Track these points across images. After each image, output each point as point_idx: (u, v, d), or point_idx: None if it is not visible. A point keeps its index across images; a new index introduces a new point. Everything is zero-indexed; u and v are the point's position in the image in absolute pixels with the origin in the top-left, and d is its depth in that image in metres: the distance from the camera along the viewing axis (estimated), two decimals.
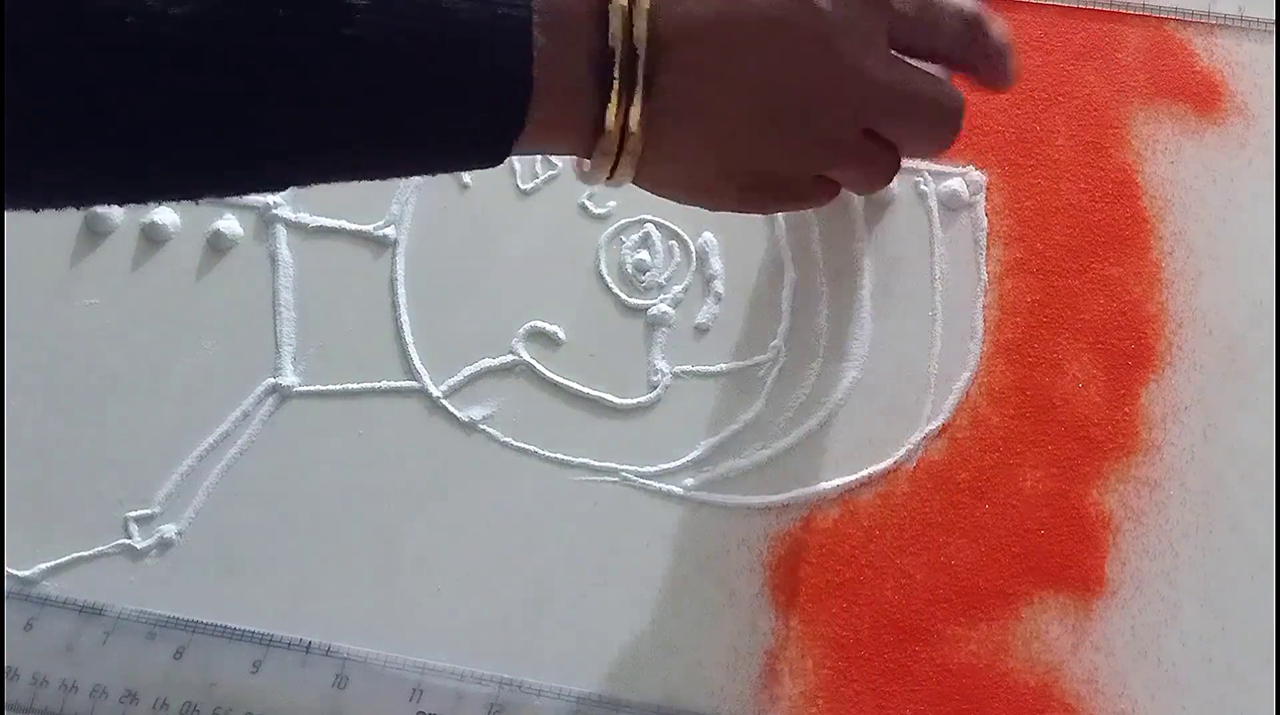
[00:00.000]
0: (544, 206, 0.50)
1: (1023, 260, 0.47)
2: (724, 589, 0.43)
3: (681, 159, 0.35)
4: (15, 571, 0.45)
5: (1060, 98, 0.50)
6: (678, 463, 0.45)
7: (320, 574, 0.44)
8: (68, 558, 0.45)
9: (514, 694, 0.42)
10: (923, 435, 0.45)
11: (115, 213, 0.50)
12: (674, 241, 0.49)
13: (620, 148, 0.33)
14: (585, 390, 0.46)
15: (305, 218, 0.49)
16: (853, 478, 0.45)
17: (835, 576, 0.43)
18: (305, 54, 0.28)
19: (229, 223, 0.49)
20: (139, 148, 0.28)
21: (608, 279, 0.48)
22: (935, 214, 0.48)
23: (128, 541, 0.45)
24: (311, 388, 0.47)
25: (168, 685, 0.42)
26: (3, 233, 0.49)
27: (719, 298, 0.48)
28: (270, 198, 0.50)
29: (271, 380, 0.47)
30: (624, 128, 0.33)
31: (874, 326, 0.47)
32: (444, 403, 0.47)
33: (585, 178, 0.36)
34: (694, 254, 0.48)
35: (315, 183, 0.32)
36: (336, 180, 0.32)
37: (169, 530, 0.45)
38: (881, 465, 0.45)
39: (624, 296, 0.48)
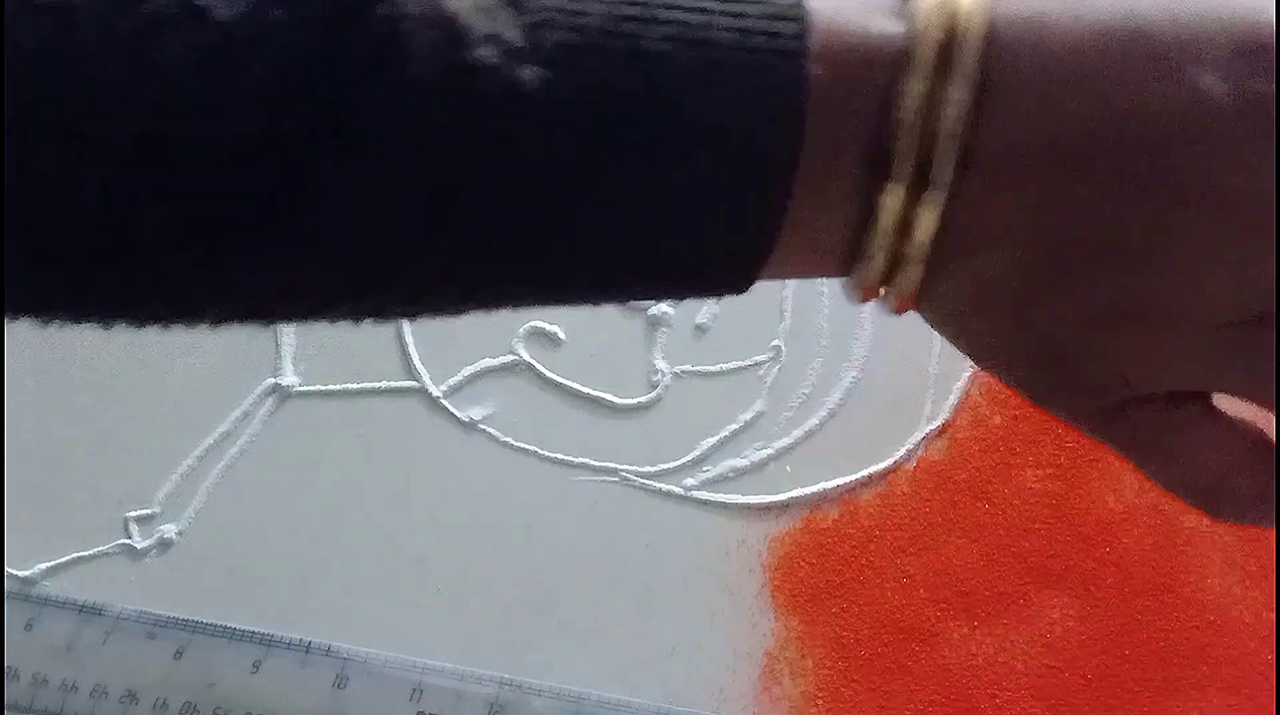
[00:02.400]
0: None
1: None
2: (724, 589, 0.43)
3: (973, 300, 0.23)
4: (15, 571, 0.45)
5: None
6: (678, 463, 0.45)
7: (320, 574, 0.44)
8: (68, 558, 0.45)
9: (514, 694, 0.42)
10: (923, 435, 0.45)
11: None
12: None
13: (896, 265, 0.22)
14: (585, 390, 0.46)
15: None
16: (853, 478, 0.45)
17: (835, 577, 0.43)
18: (474, 171, 0.21)
19: None
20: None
21: None
22: None
23: (128, 541, 0.45)
24: (311, 388, 0.47)
25: (168, 685, 0.42)
26: (3, 233, 0.49)
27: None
28: None
29: (271, 380, 0.47)
30: (902, 238, 0.22)
31: (874, 326, 0.47)
32: (444, 403, 0.47)
33: (853, 298, 0.24)
34: None
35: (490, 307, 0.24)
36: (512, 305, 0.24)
37: (169, 530, 0.45)
38: (881, 465, 0.45)
39: None
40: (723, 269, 0.23)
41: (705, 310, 0.47)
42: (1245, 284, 0.22)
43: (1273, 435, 0.25)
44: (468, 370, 0.47)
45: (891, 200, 0.21)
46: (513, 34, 0.20)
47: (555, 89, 0.20)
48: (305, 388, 0.47)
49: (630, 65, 0.20)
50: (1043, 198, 0.21)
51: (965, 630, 0.42)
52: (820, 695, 0.42)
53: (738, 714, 0.42)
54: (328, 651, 0.43)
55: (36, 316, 0.24)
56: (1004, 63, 0.21)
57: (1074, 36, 0.21)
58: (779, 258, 0.22)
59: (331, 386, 0.47)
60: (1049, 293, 0.23)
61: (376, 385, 0.47)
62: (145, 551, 0.45)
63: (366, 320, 0.25)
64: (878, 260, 0.22)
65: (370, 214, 0.21)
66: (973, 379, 0.46)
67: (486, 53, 0.20)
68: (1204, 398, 0.25)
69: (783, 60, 0.20)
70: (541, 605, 0.44)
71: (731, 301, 0.47)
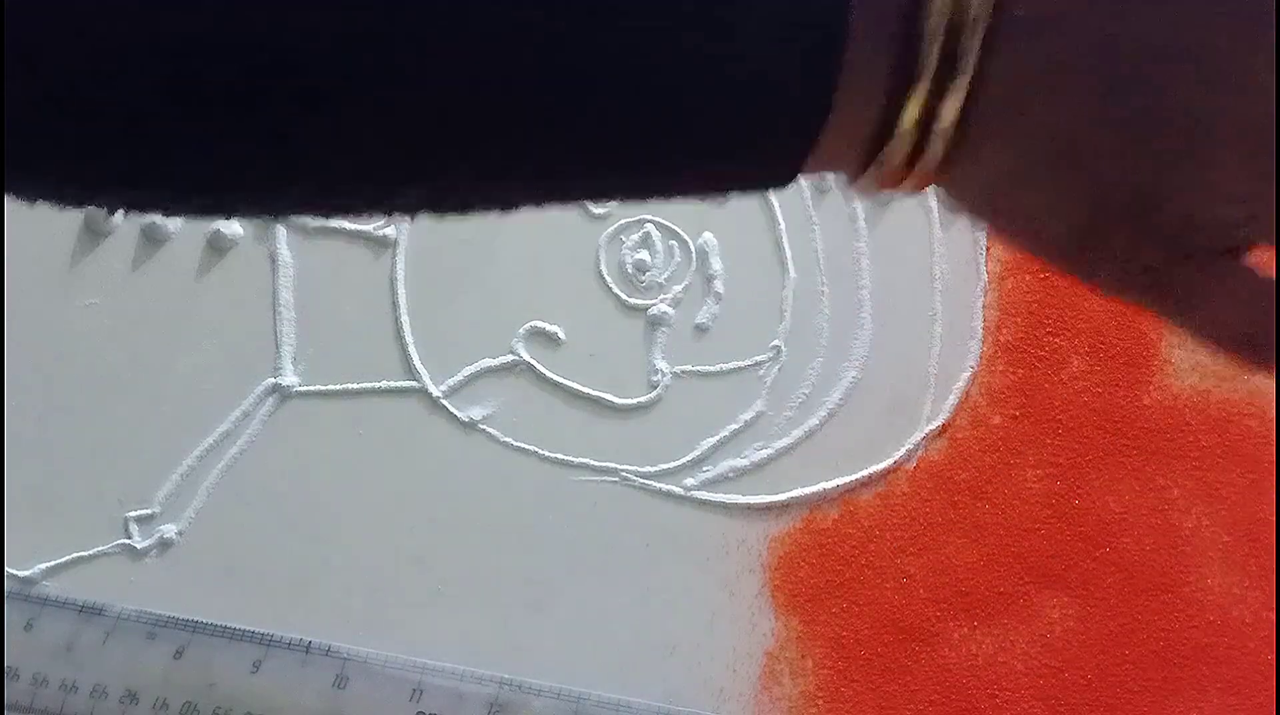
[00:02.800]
0: None
1: (1023, 260, 0.47)
2: (724, 589, 0.43)
3: (998, 179, 0.25)
4: (15, 571, 0.45)
5: None
6: (678, 463, 0.45)
7: (320, 574, 0.44)
8: (68, 558, 0.45)
9: (514, 694, 0.42)
10: (923, 435, 0.45)
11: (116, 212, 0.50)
12: (674, 241, 0.49)
13: (917, 151, 0.24)
14: (585, 390, 0.46)
15: (305, 218, 0.49)
16: (853, 478, 0.45)
17: (835, 577, 0.43)
18: (546, 34, 0.22)
19: (229, 223, 0.49)
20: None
21: (608, 279, 0.48)
22: (935, 214, 0.48)
23: (128, 541, 0.45)
24: (311, 388, 0.47)
25: (168, 685, 0.42)
26: (3, 233, 0.49)
27: (719, 298, 0.48)
28: None
29: (271, 380, 0.47)
30: (928, 126, 0.23)
31: (874, 326, 0.47)
32: (444, 403, 0.47)
33: (874, 187, 0.26)
34: (694, 254, 0.48)
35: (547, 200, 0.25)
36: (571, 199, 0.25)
37: (169, 530, 0.45)
38: (881, 465, 0.45)
39: (624, 296, 0.48)
40: (776, 152, 0.24)
41: (705, 310, 0.47)
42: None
43: None
44: (468, 370, 0.47)
45: (922, 80, 0.23)
46: None
47: None
48: (305, 388, 0.47)
49: None
50: (1072, 69, 0.23)
51: (965, 630, 0.42)
52: (820, 695, 0.42)
53: (738, 714, 0.42)
54: (328, 651, 0.43)
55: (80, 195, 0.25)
56: None
57: None
58: (822, 145, 0.23)
59: (331, 386, 0.47)
60: (1113, 136, 0.23)
61: (376, 385, 0.47)
62: (145, 551, 0.45)
63: (427, 209, 0.25)
64: (905, 143, 0.23)
65: (430, 82, 0.21)
66: (973, 379, 0.46)
67: None
68: (1239, 254, 0.26)
69: None
70: (541, 605, 0.44)
71: (731, 301, 0.48)
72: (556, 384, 0.47)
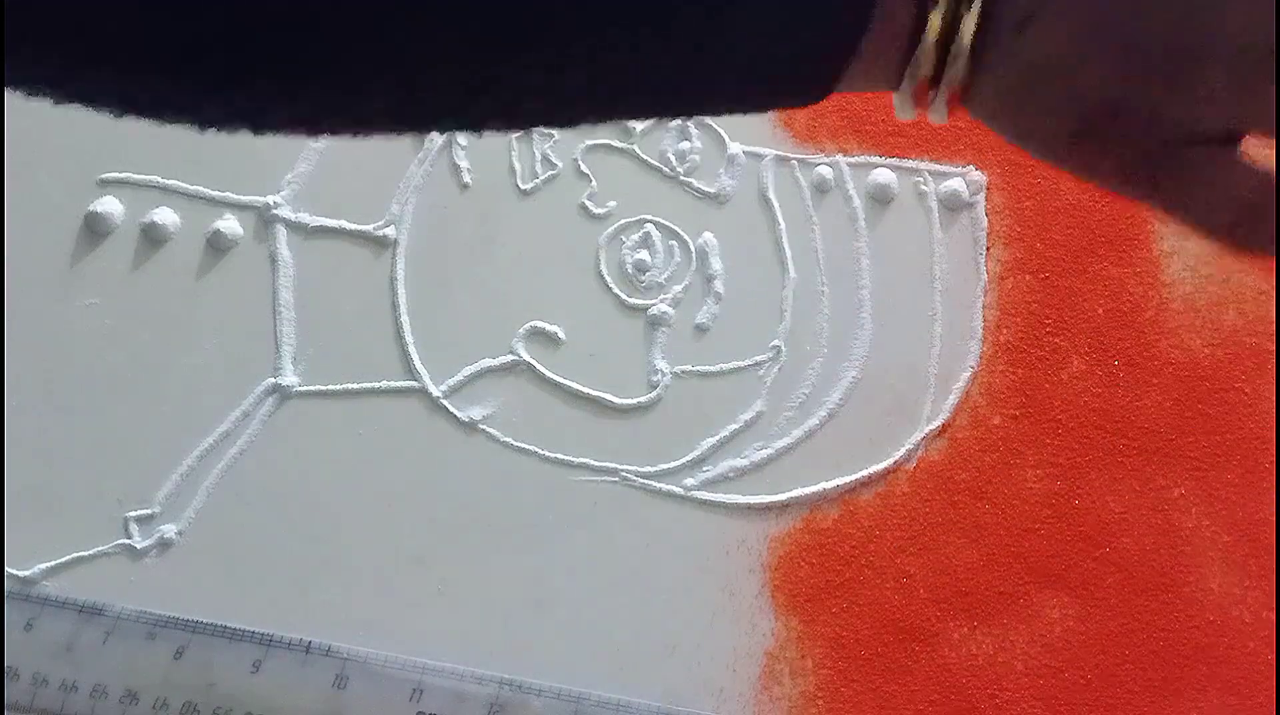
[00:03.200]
0: (544, 206, 0.50)
1: (1023, 260, 0.47)
2: (724, 589, 0.43)
3: (1006, 94, 0.28)
4: (15, 571, 0.45)
5: None
6: (678, 463, 0.45)
7: (320, 574, 0.44)
8: (68, 558, 0.45)
9: (514, 694, 0.42)
10: (923, 435, 0.45)
11: (116, 213, 0.50)
12: (674, 241, 0.49)
13: (940, 67, 0.27)
14: (585, 390, 0.46)
15: (305, 218, 0.49)
16: (853, 478, 0.45)
17: (835, 577, 0.43)
18: None
19: (229, 223, 0.49)
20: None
21: (608, 279, 0.48)
22: (935, 214, 0.48)
23: (128, 541, 0.45)
24: (311, 388, 0.47)
25: (168, 685, 0.42)
26: (3, 233, 0.49)
27: (719, 298, 0.48)
28: (270, 197, 0.50)
29: (271, 380, 0.47)
30: (948, 41, 0.26)
31: (874, 326, 0.47)
32: (444, 403, 0.47)
33: (901, 108, 0.29)
34: (694, 254, 0.48)
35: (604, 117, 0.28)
36: (622, 117, 0.28)
37: (169, 530, 0.45)
38: (881, 465, 0.45)
39: (624, 296, 0.48)
40: (816, 67, 0.27)
41: (705, 310, 0.47)
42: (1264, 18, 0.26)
43: None
44: (468, 370, 0.47)
45: (941, 4, 0.26)
46: None
47: None
48: (305, 388, 0.47)
49: None
50: None
51: (965, 630, 0.42)
52: (820, 695, 0.42)
53: (738, 714, 0.42)
54: (328, 651, 0.43)
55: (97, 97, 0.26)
56: None
57: None
58: (855, 65, 0.27)
59: (331, 386, 0.47)
60: (1099, 56, 0.26)
61: (376, 385, 0.47)
62: (145, 551, 0.45)
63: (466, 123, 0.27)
64: (930, 55, 0.26)
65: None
66: (973, 379, 0.46)
67: None
68: (1233, 142, 0.28)
69: None
70: (541, 605, 0.44)
71: (732, 301, 0.48)
72: (556, 384, 0.47)
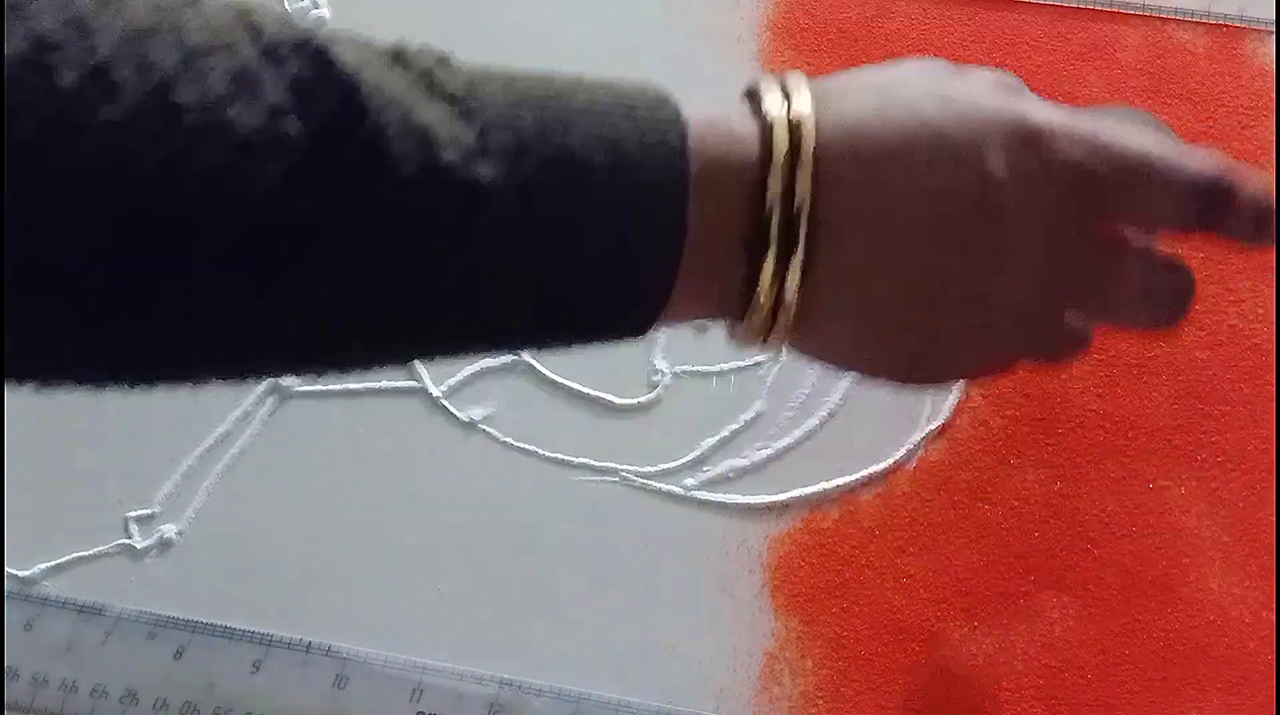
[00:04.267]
0: None
1: None
2: (724, 589, 0.43)
3: (839, 330, 0.31)
4: (15, 571, 0.45)
5: (1060, 98, 0.49)
6: (678, 463, 0.45)
7: (320, 574, 0.44)
8: (68, 558, 0.45)
9: (514, 694, 0.42)
10: (923, 435, 0.45)
11: None
12: None
13: (774, 316, 0.29)
14: (585, 390, 0.46)
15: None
16: (853, 478, 0.45)
17: (835, 577, 0.43)
18: (442, 247, 0.26)
19: None
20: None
21: None
22: None
23: (128, 541, 0.45)
24: (311, 388, 0.47)
25: (168, 685, 0.42)
26: (2, 233, 0.49)
27: None
28: None
29: (271, 380, 0.47)
30: (779, 295, 0.29)
31: None
32: (444, 403, 0.47)
33: (736, 344, 0.32)
34: None
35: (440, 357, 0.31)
36: (462, 355, 0.32)
37: (169, 530, 0.45)
38: (881, 465, 0.45)
39: None
40: (630, 317, 0.29)
41: None
42: (1039, 319, 0.32)
43: None
44: (468, 370, 0.47)
45: (766, 264, 0.28)
46: (469, 139, 0.26)
47: (504, 181, 0.26)
48: (305, 388, 0.47)
49: (556, 161, 0.27)
50: (877, 252, 0.29)
51: (965, 630, 0.42)
52: (820, 695, 0.42)
53: (737, 714, 0.42)
54: (328, 651, 0.43)
55: (44, 378, 0.28)
56: (833, 158, 0.28)
57: (885, 138, 0.29)
58: (674, 309, 0.29)
59: (331, 386, 0.47)
60: (906, 324, 0.30)
61: (376, 385, 0.47)
62: (145, 551, 0.45)
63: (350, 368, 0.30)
64: (763, 311, 0.29)
65: (358, 281, 0.26)
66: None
67: (451, 155, 0.26)
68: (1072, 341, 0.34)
69: (674, 159, 0.27)
70: (541, 605, 0.44)
71: None
72: (556, 384, 0.47)
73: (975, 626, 0.42)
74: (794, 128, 0.28)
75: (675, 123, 0.28)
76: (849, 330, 0.31)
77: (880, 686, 0.42)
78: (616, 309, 0.29)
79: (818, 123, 0.28)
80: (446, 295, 0.27)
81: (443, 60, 0.27)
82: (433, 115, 0.26)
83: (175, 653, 0.43)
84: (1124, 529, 0.43)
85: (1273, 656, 0.42)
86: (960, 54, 0.50)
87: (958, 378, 0.34)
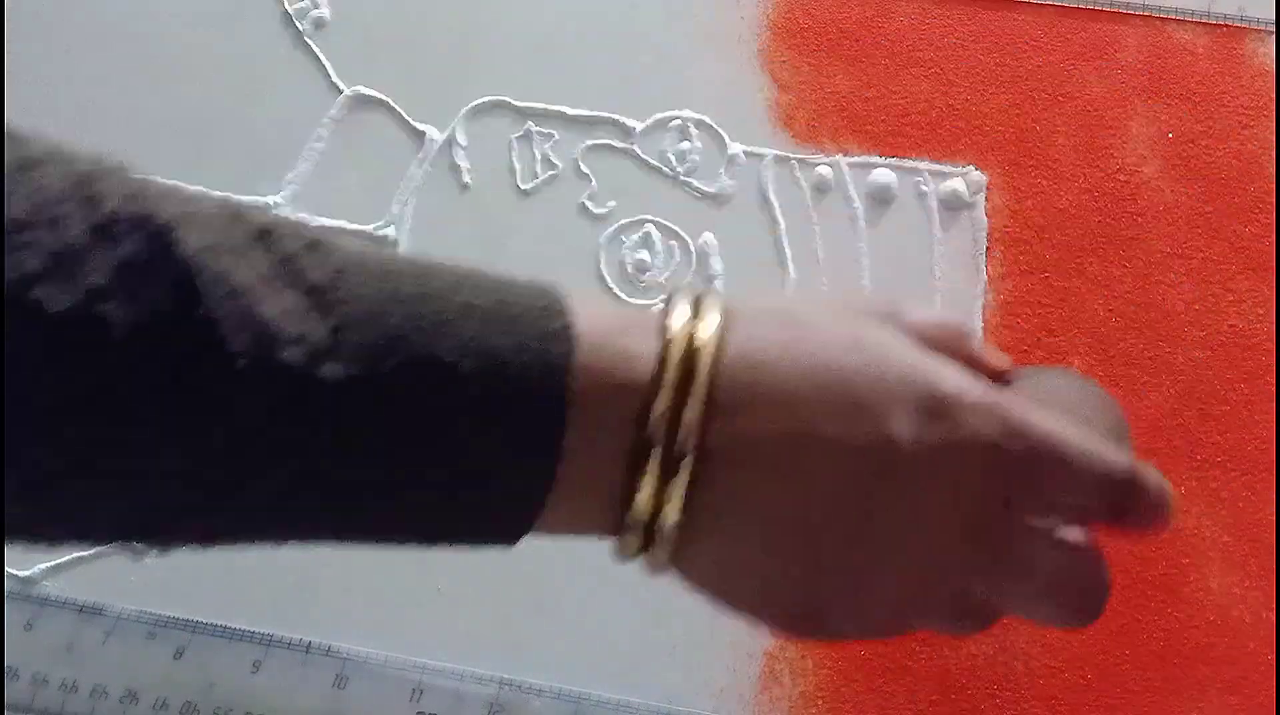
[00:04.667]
0: (544, 206, 0.50)
1: (1023, 260, 0.47)
2: None
3: (722, 566, 0.29)
4: (15, 571, 0.45)
5: (1060, 98, 0.50)
6: None
7: (320, 574, 0.44)
8: (68, 558, 0.45)
9: (514, 694, 0.42)
10: None
11: None
12: (674, 241, 0.49)
13: (648, 540, 0.28)
14: None
15: (305, 217, 0.49)
16: None
17: None
18: (279, 443, 0.25)
19: None
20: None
21: (608, 279, 0.48)
22: (935, 214, 0.48)
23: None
24: None
25: (168, 685, 0.42)
26: (2, 233, 0.49)
27: None
28: (271, 197, 0.50)
29: None
30: (653, 521, 0.27)
31: None
32: None
33: (618, 560, 0.30)
34: (694, 254, 0.48)
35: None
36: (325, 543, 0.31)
37: None
38: None
39: (624, 296, 0.48)
40: (494, 530, 0.28)
41: None
42: (936, 591, 0.29)
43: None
44: None
45: (645, 486, 0.27)
46: (318, 336, 0.24)
47: (354, 384, 0.24)
48: None
49: (419, 365, 0.25)
50: (766, 492, 0.27)
51: None
52: (820, 695, 0.42)
53: (737, 714, 0.42)
54: (328, 651, 0.43)
55: None
56: (730, 388, 0.27)
57: (790, 377, 0.27)
58: (549, 522, 0.28)
59: None
60: (792, 575, 0.28)
61: None
62: (145, 551, 0.45)
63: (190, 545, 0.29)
64: (635, 534, 0.28)
65: (188, 463, 0.25)
66: None
67: (293, 354, 0.24)
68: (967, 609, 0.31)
69: (552, 374, 0.26)
70: (541, 605, 0.44)
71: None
72: None
73: None
74: (691, 352, 0.27)
75: (562, 334, 0.26)
76: (733, 569, 0.29)
77: (880, 687, 0.42)
78: (478, 522, 0.28)
79: (720, 347, 0.27)
80: (284, 490, 0.26)
81: (313, 245, 0.25)
82: (280, 307, 0.24)
83: (175, 653, 0.43)
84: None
85: (1273, 656, 0.42)
86: (960, 54, 0.50)
87: (844, 638, 0.30)
